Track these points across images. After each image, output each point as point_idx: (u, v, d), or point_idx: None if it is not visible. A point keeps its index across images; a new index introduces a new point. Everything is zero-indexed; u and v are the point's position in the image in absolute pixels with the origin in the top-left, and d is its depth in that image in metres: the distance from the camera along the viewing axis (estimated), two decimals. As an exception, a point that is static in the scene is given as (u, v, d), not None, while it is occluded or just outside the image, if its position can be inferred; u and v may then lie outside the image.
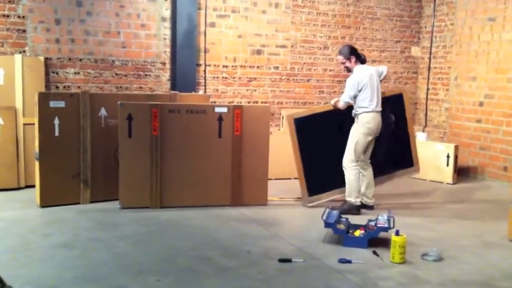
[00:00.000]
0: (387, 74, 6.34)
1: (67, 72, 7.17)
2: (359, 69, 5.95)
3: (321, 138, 6.15)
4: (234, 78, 8.13)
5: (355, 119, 5.94)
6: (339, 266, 4.30)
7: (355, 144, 5.86)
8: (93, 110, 5.97)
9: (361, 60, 6.02)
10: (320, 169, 6.14)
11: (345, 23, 8.78)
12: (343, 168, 5.95)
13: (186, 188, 5.95)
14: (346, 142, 5.96)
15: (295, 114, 6.15)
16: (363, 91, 5.84)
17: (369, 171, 6.05)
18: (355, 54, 5.96)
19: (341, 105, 5.95)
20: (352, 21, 8.83)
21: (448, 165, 7.75)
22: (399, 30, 9.21)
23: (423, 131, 9.02)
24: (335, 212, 5.11)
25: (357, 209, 5.85)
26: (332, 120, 6.15)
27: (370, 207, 6.01)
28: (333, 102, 6.15)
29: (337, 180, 6.08)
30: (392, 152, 6.41)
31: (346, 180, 5.91)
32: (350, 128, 5.97)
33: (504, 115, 7.75)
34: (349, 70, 6.03)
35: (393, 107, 6.29)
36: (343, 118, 6.07)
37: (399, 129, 6.40)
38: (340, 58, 6.00)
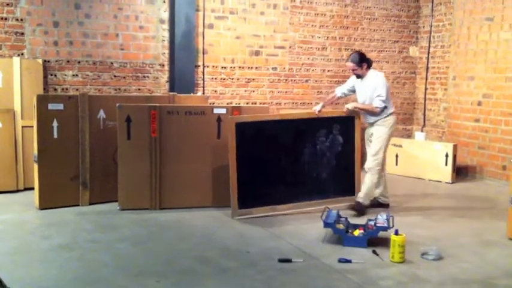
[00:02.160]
0: None
1: (65, 75, 7.17)
2: (375, 73, 6.03)
3: (262, 148, 5.80)
4: (233, 79, 8.14)
5: (380, 122, 5.94)
6: (339, 266, 4.31)
7: (384, 147, 5.96)
8: (92, 112, 5.97)
9: (370, 64, 6.03)
10: (256, 182, 5.75)
11: (343, 23, 8.79)
12: (367, 171, 5.93)
13: (185, 189, 5.94)
14: (288, 156, 5.88)
15: (238, 118, 5.71)
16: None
17: (385, 172, 6.22)
18: (366, 61, 5.96)
19: (379, 109, 5.87)
20: (350, 21, 8.84)
21: (446, 164, 7.76)
22: (397, 31, 9.22)
23: (422, 131, 9.05)
24: (334, 212, 5.12)
25: (365, 209, 5.91)
26: (278, 131, 5.86)
27: (387, 206, 6.14)
28: (351, 107, 5.98)
29: (273, 196, 5.80)
30: (335, 175, 6.08)
31: (367, 183, 5.92)
32: (294, 142, 5.90)
33: (502, 114, 7.76)
34: (358, 76, 6.03)
35: (343, 129, 6.06)
36: (290, 130, 5.90)
37: (346, 154, 6.07)
38: (351, 65, 5.95)
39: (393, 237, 4.42)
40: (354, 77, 6.20)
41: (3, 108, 6.45)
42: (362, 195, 5.92)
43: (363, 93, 6.03)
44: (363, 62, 5.94)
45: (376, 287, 3.95)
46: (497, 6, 7.82)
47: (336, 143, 6.07)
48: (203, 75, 7.91)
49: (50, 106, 5.77)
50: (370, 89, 5.94)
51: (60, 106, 5.82)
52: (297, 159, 5.96)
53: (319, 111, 6.00)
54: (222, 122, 5.99)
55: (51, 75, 7.08)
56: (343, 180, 6.15)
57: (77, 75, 7.23)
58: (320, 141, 6.02)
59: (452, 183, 7.70)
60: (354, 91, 6.24)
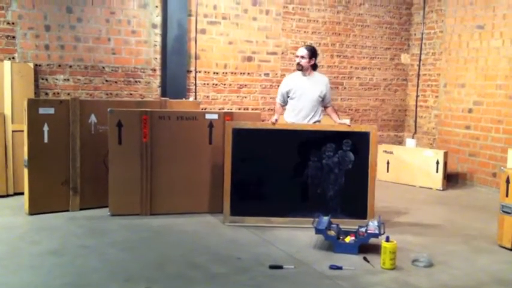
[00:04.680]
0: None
1: (57, 79, 7.14)
2: (321, 75, 6.18)
3: (261, 157, 5.67)
4: (225, 84, 8.14)
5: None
6: (330, 272, 4.30)
7: None
8: (83, 116, 5.94)
9: (316, 66, 6.09)
10: (251, 190, 5.67)
11: (335, 30, 8.82)
12: None
13: (176, 194, 5.92)
14: (288, 168, 5.69)
15: (235, 124, 5.67)
16: None
17: None
18: (315, 58, 6.03)
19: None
20: (342, 28, 8.87)
21: (437, 171, 7.78)
22: (389, 38, 9.27)
23: (413, 138, 9.08)
24: (326, 218, 5.11)
25: None
26: (278, 140, 5.68)
27: None
28: (348, 122, 6.00)
29: (269, 207, 5.62)
30: (343, 194, 5.68)
31: None
32: (297, 154, 5.69)
33: (493, 122, 7.80)
34: (301, 68, 5.96)
35: (355, 146, 5.67)
36: (292, 141, 5.69)
37: (358, 173, 5.65)
38: (305, 53, 5.92)
39: (384, 243, 4.42)
40: (290, 80, 6.04)
41: (-7, 112, 6.41)
42: None
43: (311, 90, 5.91)
44: (313, 56, 5.98)
45: (367, 293, 3.95)
46: (488, 14, 7.88)
47: (346, 159, 5.67)
48: (195, 80, 7.91)
49: (41, 110, 5.73)
50: (320, 85, 5.97)
51: (51, 110, 5.78)
52: (298, 173, 5.70)
53: (277, 120, 5.81)
54: (214, 128, 5.98)
55: (43, 79, 7.05)
56: (353, 201, 5.65)
57: (68, 79, 7.20)
58: (327, 156, 5.68)
59: (443, 190, 7.73)
60: (288, 96, 6.06)
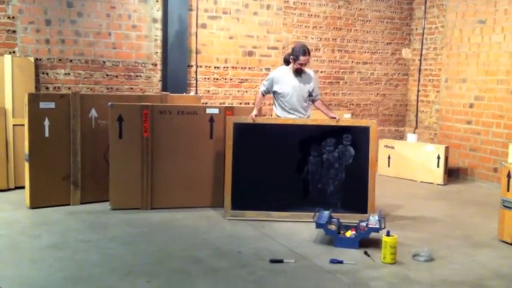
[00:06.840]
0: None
1: (57, 73, 7.13)
2: (308, 70, 6.03)
3: (261, 152, 5.68)
4: (226, 79, 8.13)
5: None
6: (330, 267, 4.30)
7: None
8: (84, 111, 5.94)
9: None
10: (252, 184, 5.66)
11: (336, 24, 8.80)
12: None
13: (177, 189, 5.92)
14: (289, 163, 5.70)
15: (236, 119, 5.69)
16: None
17: None
18: None
19: None
20: (343, 23, 8.85)
21: (438, 166, 7.78)
22: (390, 32, 9.25)
23: (414, 133, 9.08)
24: (326, 213, 5.11)
25: None
26: (279, 135, 5.69)
27: None
28: (338, 117, 5.91)
29: (270, 202, 5.61)
30: (344, 189, 5.69)
31: None
32: (297, 149, 5.69)
33: (494, 117, 7.79)
34: (300, 71, 5.86)
35: (355, 140, 5.68)
36: (292, 136, 5.69)
37: (358, 167, 5.66)
38: (309, 58, 5.80)
39: (385, 238, 4.42)
40: (280, 77, 5.87)
41: (-6, 107, 6.41)
42: None
43: (301, 87, 5.84)
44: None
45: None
46: (489, 9, 7.86)
47: (346, 154, 5.67)
48: (196, 75, 7.90)
49: (42, 105, 5.73)
50: (309, 81, 5.90)
51: (52, 105, 5.78)
52: (299, 167, 5.71)
53: (256, 115, 5.76)
54: (215, 122, 5.98)
55: (43, 73, 7.04)
56: (354, 196, 5.65)
57: (69, 73, 7.19)
58: (327, 151, 5.68)
59: (444, 185, 7.73)
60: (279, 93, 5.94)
